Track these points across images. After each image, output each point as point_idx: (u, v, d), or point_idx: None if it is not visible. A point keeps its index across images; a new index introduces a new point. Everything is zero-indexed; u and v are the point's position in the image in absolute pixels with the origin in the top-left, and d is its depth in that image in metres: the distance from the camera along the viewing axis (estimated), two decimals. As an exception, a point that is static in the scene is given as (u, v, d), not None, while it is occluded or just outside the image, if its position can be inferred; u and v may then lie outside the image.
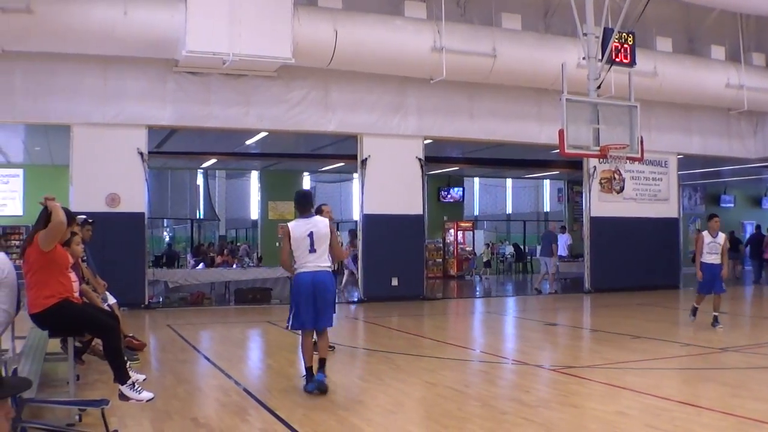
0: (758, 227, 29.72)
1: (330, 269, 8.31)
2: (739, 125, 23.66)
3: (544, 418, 7.05)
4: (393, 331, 14.53)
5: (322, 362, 8.11)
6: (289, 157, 26.30)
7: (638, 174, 22.17)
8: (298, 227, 8.19)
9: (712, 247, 13.62)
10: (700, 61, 21.36)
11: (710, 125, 23.19)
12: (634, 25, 16.29)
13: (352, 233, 21.39)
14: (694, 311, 14.04)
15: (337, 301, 8.97)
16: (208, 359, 10.96)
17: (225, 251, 24.21)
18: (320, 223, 8.25)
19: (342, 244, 11.89)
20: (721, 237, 13.71)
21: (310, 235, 8.08)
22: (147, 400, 6.93)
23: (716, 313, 13.58)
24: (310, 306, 8.08)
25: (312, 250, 8.08)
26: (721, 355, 10.85)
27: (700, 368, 9.86)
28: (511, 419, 7.03)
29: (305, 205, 8.40)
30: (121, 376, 6.90)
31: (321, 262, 8.15)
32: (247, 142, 22.19)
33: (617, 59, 14.83)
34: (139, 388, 6.95)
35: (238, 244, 30.60)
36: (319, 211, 10.85)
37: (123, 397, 6.85)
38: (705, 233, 13.77)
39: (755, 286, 25.07)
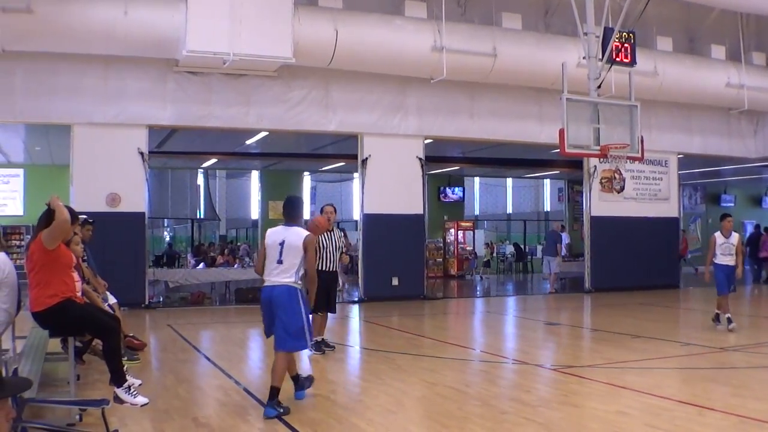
0: (757, 226, 29.71)
1: (293, 285, 7.39)
2: (739, 125, 23.65)
3: (545, 418, 7.05)
4: (393, 330, 14.53)
5: (273, 391, 7.22)
6: (289, 156, 26.32)
7: (639, 173, 22.18)
8: (273, 234, 7.62)
9: (726, 248, 13.35)
10: (700, 60, 21.35)
11: (710, 125, 23.19)
12: (634, 25, 16.27)
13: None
14: (717, 317, 13.58)
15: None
16: (208, 359, 10.96)
17: (226, 251, 24.21)
18: (294, 235, 7.46)
19: (343, 248, 11.63)
20: (735, 237, 13.46)
21: (282, 244, 7.43)
22: (141, 405, 6.95)
23: (719, 312, 13.46)
24: (270, 322, 7.49)
25: (279, 260, 7.41)
26: (721, 355, 10.85)
27: (700, 368, 9.85)
28: (512, 419, 7.04)
29: (289, 212, 7.72)
30: (118, 379, 6.92)
31: (282, 277, 7.38)
32: (248, 142, 22.21)
33: (617, 59, 14.82)
34: (135, 392, 6.97)
35: (238, 243, 30.60)
36: (321, 211, 10.93)
37: (118, 399, 6.87)
38: (717, 234, 13.52)
39: (754, 285, 25.05)
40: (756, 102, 21.89)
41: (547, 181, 37.45)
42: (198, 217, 33.65)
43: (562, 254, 24.47)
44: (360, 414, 7.37)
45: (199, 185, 34.18)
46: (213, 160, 27.34)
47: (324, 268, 10.69)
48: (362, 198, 19.06)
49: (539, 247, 31.06)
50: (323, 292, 10.31)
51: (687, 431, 6.53)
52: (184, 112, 17.22)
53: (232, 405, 7.69)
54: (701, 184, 34.22)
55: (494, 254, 33.56)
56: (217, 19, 15.41)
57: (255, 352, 12.51)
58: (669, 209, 22.95)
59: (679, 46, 21.50)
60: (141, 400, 6.94)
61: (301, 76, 17.94)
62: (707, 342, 11.87)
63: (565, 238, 27.03)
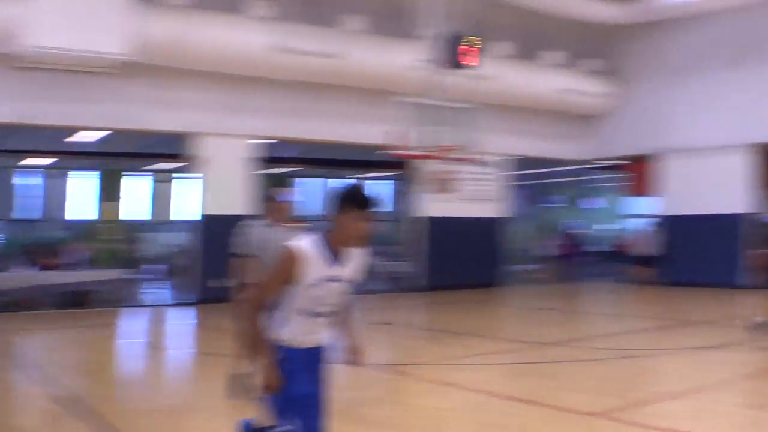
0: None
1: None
2: (570, 128, 24.61)
3: (373, 417, 7.09)
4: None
5: None
6: (125, 156, 25.37)
7: (472, 175, 22.46)
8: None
9: None
10: (535, 66, 22.18)
11: (544, 128, 23.95)
12: (473, 30, 16.68)
13: None
14: None
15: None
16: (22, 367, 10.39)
17: (52, 254, 23.03)
18: None
19: None
20: None
21: None
22: None
23: None
24: None
25: None
26: (544, 350, 11.20)
27: (525, 363, 10.17)
28: (340, 418, 7.02)
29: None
30: None
31: None
32: (83, 140, 21.17)
33: (458, 62, 15.15)
34: None
35: (68, 245, 29.08)
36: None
37: None
38: None
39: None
40: (587, 107, 23.05)
41: (383, 182, 37.63)
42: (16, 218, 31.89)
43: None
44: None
45: (22, 184, 32.40)
46: (51, 160, 26.04)
47: None
48: (203, 198, 18.58)
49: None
50: None
51: (512, 425, 6.72)
52: (17, 109, 16.30)
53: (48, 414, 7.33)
54: (531, 186, 35.22)
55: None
56: (53, 14, 14.67)
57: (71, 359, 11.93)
58: (499, 210, 23.45)
59: (515, 52, 22.16)
60: None
61: (142, 73, 17.25)
62: (531, 338, 12.28)
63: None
